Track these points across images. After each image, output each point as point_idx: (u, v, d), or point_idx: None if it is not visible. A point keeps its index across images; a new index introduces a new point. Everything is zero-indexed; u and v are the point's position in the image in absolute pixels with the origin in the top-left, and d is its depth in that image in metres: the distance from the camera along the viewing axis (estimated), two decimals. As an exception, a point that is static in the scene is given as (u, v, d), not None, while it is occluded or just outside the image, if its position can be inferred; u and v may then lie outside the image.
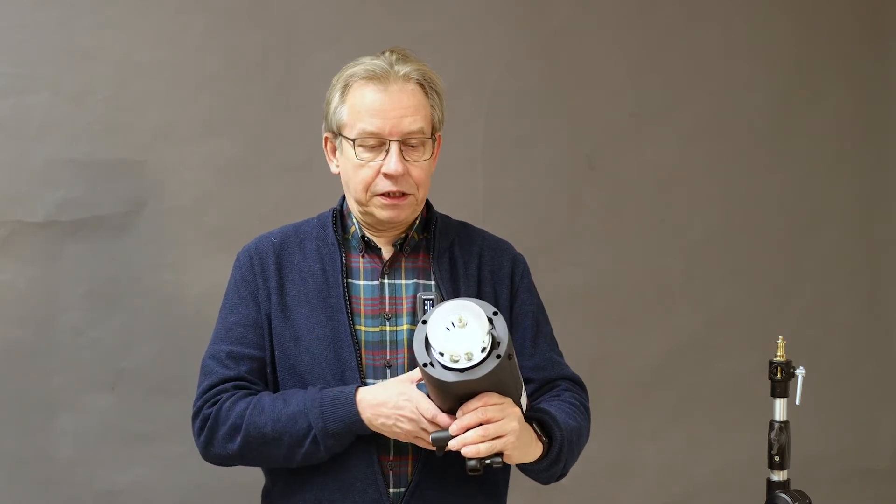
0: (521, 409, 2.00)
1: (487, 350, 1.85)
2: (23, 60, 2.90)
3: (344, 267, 2.13)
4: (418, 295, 1.96)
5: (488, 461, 1.91)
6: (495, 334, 1.86)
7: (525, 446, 2.00)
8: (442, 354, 1.85)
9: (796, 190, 3.86)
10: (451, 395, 1.91)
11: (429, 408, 1.96)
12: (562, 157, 3.54)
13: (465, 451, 1.91)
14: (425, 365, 1.86)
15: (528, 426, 2.02)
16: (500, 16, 3.44)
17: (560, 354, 2.25)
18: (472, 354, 1.84)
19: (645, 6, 3.62)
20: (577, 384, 2.22)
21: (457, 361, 1.84)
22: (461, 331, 1.85)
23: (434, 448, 1.96)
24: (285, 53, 3.15)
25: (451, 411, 1.93)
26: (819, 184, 3.89)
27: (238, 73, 3.10)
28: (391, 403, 2.00)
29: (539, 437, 2.05)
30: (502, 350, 1.85)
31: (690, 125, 3.70)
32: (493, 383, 1.89)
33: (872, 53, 3.95)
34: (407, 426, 1.99)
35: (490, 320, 1.87)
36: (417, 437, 2.00)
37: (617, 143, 3.61)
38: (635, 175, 3.63)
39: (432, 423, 1.96)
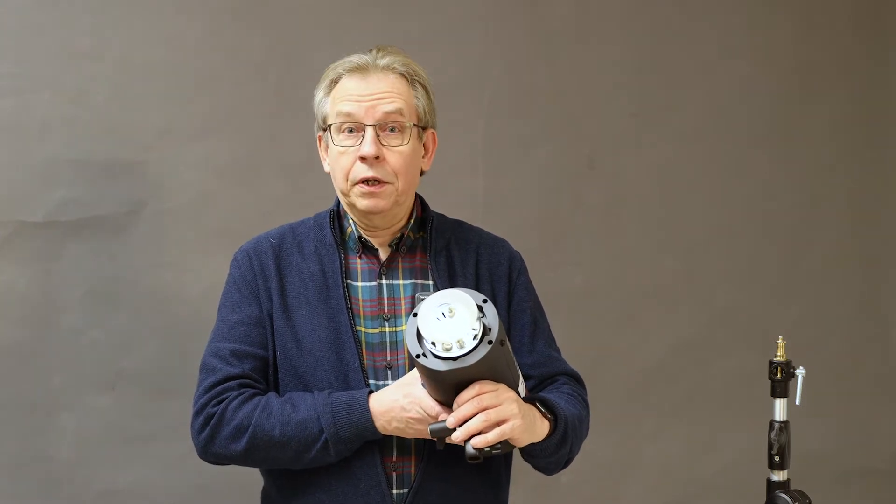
0: (520, 395, 1.99)
1: (479, 337, 1.85)
2: (23, 60, 2.90)
3: (343, 268, 2.13)
4: (417, 295, 1.96)
5: (487, 448, 1.91)
6: (486, 321, 1.86)
7: (531, 426, 2.00)
8: (434, 344, 1.85)
9: (796, 190, 3.86)
10: (446, 385, 1.91)
11: (431, 405, 1.96)
12: (562, 157, 3.54)
13: (475, 442, 1.90)
14: (417, 356, 1.86)
15: (530, 406, 2.02)
16: (500, 16, 3.44)
17: (558, 351, 2.25)
18: (463, 342, 1.84)
19: (645, 6, 3.63)
20: (575, 379, 2.23)
21: (449, 350, 1.85)
22: (451, 320, 1.85)
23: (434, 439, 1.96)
24: (285, 53, 3.15)
25: (451, 403, 1.93)
26: (819, 184, 3.89)
27: (238, 73, 3.10)
28: (398, 407, 2.00)
29: (544, 414, 2.05)
30: (493, 336, 1.85)
31: (690, 125, 3.70)
32: (486, 370, 1.89)
33: (872, 53, 3.95)
34: (417, 426, 1.99)
35: (480, 308, 1.87)
36: None
37: (617, 143, 3.61)
38: (635, 175, 3.63)
39: (436, 419, 1.96)
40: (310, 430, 2.02)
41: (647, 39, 3.63)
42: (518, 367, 2.02)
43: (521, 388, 2.01)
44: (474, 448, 1.90)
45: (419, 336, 1.88)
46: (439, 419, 1.95)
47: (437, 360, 1.86)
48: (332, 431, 2.01)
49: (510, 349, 1.96)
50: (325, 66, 2.17)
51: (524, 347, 2.19)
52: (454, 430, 1.91)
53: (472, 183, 3.42)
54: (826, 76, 3.88)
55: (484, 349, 1.85)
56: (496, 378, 1.92)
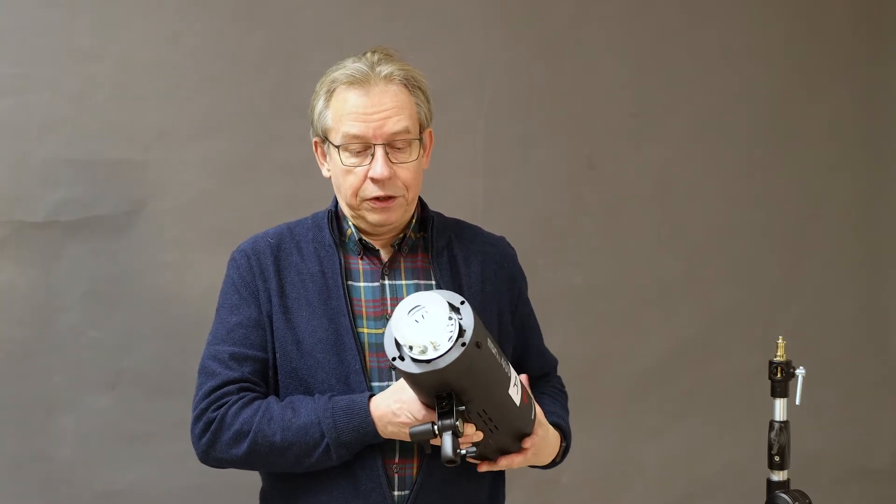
0: (513, 399, 1.97)
1: (454, 339, 1.82)
2: (23, 60, 2.90)
3: (343, 269, 2.12)
4: (419, 295, 1.96)
5: (463, 452, 1.88)
6: (462, 323, 1.83)
7: (537, 460, 2.12)
8: (411, 349, 1.83)
9: (796, 190, 3.86)
10: (427, 388, 1.88)
11: (418, 408, 1.96)
12: (562, 157, 3.54)
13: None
14: (394, 359, 1.85)
15: (555, 436, 2.14)
16: (500, 16, 3.44)
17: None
18: (437, 344, 1.82)
19: (645, 6, 3.62)
20: (554, 368, 2.35)
21: (424, 353, 1.82)
22: (426, 322, 1.83)
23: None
24: (285, 53, 3.15)
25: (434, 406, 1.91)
26: (819, 184, 3.89)
27: (238, 73, 3.10)
28: (390, 412, 1.99)
29: (564, 449, 2.19)
30: (468, 338, 1.82)
31: (690, 125, 3.70)
32: (463, 373, 1.84)
33: (872, 53, 3.95)
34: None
35: (457, 309, 1.85)
36: None
37: (617, 143, 3.61)
38: (635, 175, 3.63)
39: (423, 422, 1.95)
40: (311, 435, 2.01)
41: (647, 39, 3.63)
42: (510, 369, 1.98)
43: (514, 390, 1.97)
44: (446, 451, 1.85)
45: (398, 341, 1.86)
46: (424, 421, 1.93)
47: (412, 363, 1.84)
48: (334, 436, 2.01)
49: (493, 351, 1.91)
50: (324, 67, 2.16)
51: (535, 351, 2.24)
52: (435, 433, 1.88)
53: (472, 183, 3.41)
54: (826, 76, 3.88)
55: (457, 351, 1.81)
56: (474, 381, 1.88)
